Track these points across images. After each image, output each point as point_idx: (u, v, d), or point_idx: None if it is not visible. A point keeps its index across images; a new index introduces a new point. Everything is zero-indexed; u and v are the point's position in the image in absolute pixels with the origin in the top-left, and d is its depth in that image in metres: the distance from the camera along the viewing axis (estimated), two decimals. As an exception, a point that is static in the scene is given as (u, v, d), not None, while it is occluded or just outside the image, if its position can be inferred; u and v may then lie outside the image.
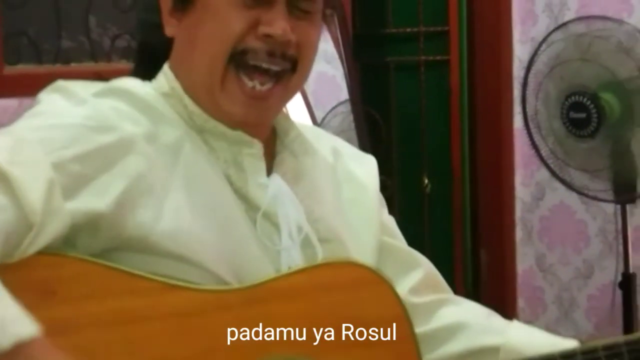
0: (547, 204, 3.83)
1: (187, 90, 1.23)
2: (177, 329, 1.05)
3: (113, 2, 2.75)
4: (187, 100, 1.22)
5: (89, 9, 2.70)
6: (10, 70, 2.51)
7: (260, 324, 1.09)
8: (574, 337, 1.43)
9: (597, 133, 2.90)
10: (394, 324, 1.15)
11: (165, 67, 1.27)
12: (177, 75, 1.24)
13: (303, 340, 1.10)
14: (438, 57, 3.80)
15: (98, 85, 1.18)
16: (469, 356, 1.40)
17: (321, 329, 1.11)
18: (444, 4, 3.74)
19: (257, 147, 1.26)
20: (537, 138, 3.14)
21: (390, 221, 1.48)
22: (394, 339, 1.15)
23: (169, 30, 1.24)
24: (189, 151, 1.19)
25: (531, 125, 3.15)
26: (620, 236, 3.08)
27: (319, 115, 3.51)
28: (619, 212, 3.09)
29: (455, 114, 3.84)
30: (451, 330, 1.41)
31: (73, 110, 1.13)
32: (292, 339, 1.09)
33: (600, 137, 2.91)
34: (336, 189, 1.39)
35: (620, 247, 3.08)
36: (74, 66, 2.70)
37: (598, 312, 3.67)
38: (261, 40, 1.18)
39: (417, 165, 3.94)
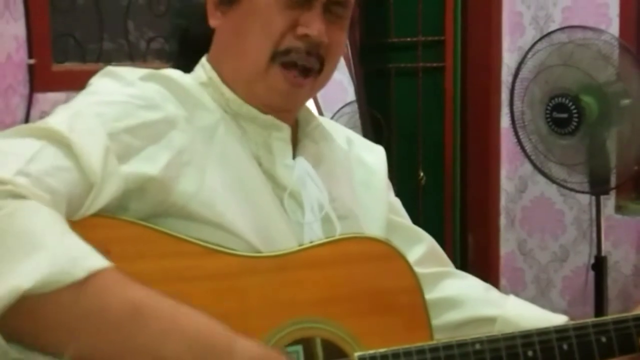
0: (529, 195, 3.85)
1: (225, 79, 1.20)
2: (217, 290, 1.03)
3: (149, 9, 2.76)
4: (224, 89, 1.20)
5: (128, 14, 2.72)
6: (58, 67, 2.50)
7: (288, 288, 1.08)
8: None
9: (576, 131, 2.89)
10: (408, 294, 1.14)
11: (203, 60, 1.25)
12: (216, 65, 1.22)
13: (325, 305, 1.08)
14: (434, 64, 3.79)
15: (143, 71, 1.15)
16: (467, 325, 1.38)
17: (341, 296, 1.09)
18: (441, 16, 3.72)
19: (286, 131, 1.24)
20: (522, 136, 3.14)
21: (397, 202, 1.47)
22: (407, 307, 1.13)
23: (213, 22, 1.22)
24: (223, 133, 1.16)
25: (517, 124, 3.14)
26: (594, 224, 3.07)
27: (327, 116, 3.51)
28: (593, 202, 3.08)
29: (449, 115, 3.84)
30: (452, 301, 1.39)
31: (123, 89, 1.10)
32: (316, 303, 1.08)
33: (580, 135, 2.91)
34: (350, 173, 1.38)
35: (594, 234, 3.07)
36: (113, 65, 2.68)
37: (572, 292, 3.68)
38: (300, 40, 1.16)
39: (414, 160, 3.95)
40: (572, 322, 1.19)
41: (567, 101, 2.87)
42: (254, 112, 1.21)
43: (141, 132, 1.07)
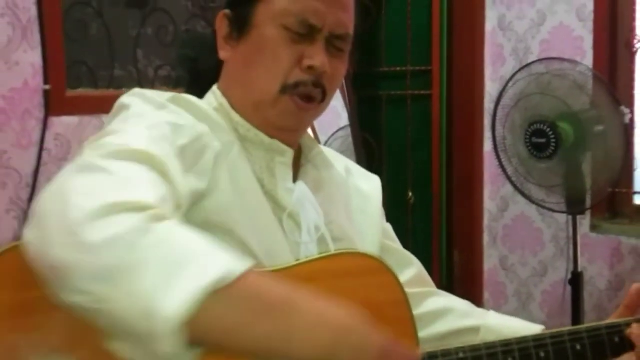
0: (510, 214, 3.84)
1: (234, 105, 1.22)
2: None
3: (157, 39, 2.76)
4: (234, 114, 1.21)
5: (137, 44, 2.72)
6: (71, 93, 2.50)
7: None
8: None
9: (554, 155, 2.89)
10: (395, 306, 1.13)
11: (214, 88, 1.26)
12: (226, 93, 1.24)
13: None
14: (422, 92, 3.78)
15: (167, 94, 1.16)
16: (453, 335, 1.38)
17: None
18: (428, 47, 3.72)
19: (289, 156, 1.25)
20: (503, 159, 3.14)
21: (389, 227, 1.48)
22: (395, 318, 1.12)
23: (222, 55, 1.24)
24: (236, 153, 1.17)
25: (499, 148, 3.14)
26: (571, 242, 3.06)
27: (322, 139, 3.51)
28: (570, 221, 3.07)
29: (436, 139, 3.83)
30: (438, 314, 1.40)
31: (157, 113, 1.09)
32: None
33: (557, 159, 2.90)
34: (347, 199, 1.38)
35: (571, 251, 3.05)
36: (124, 91, 2.67)
37: (550, 305, 3.67)
38: (306, 73, 1.18)
39: (404, 180, 3.93)
40: (549, 331, 1.19)
41: (545, 127, 2.86)
42: (261, 136, 1.22)
43: (189, 150, 1.07)
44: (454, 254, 3.95)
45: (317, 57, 1.17)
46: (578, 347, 1.15)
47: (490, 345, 1.12)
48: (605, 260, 3.46)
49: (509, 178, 3.14)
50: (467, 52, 3.77)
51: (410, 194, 3.94)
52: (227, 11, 1.24)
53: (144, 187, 0.90)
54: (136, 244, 0.80)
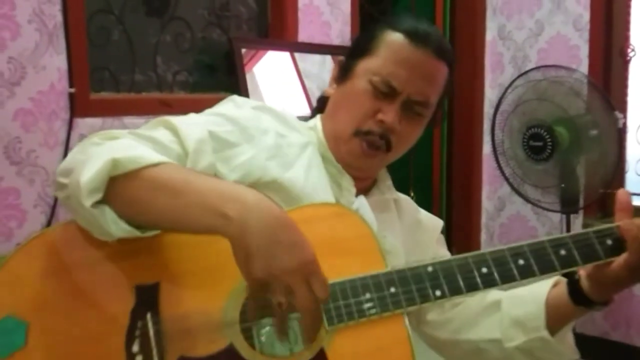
0: (507, 213, 3.83)
1: (324, 131, 1.31)
2: (198, 250, 1.04)
3: (175, 46, 2.74)
4: (321, 136, 1.31)
5: (156, 50, 2.70)
6: (95, 96, 2.47)
7: None
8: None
9: (550, 158, 2.88)
10: (363, 239, 1.09)
11: (320, 115, 1.36)
12: (323, 121, 1.33)
13: None
14: (425, 97, 3.74)
15: (255, 102, 1.28)
16: (480, 315, 1.32)
17: None
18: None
19: (348, 180, 1.30)
20: (501, 161, 3.13)
21: (444, 255, 1.41)
22: (363, 249, 1.09)
23: (328, 91, 1.34)
24: (311, 152, 1.26)
25: (497, 151, 3.13)
26: (565, 239, 3.01)
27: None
28: (564, 220, 3.06)
29: (437, 142, 3.84)
30: (454, 306, 1.35)
31: (233, 109, 1.23)
32: None
33: (553, 161, 2.90)
34: (406, 227, 1.39)
35: (564, 248, 3.00)
36: (144, 95, 2.67)
37: (544, 299, 3.62)
38: (377, 125, 1.24)
39: (406, 181, 3.93)
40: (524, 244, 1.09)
41: (542, 131, 2.86)
42: (331, 158, 1.30)
43: (235, 135, 1.18)
44: (453, 251, 3.92)
45: (390, 114, 1.23)
46: (562, 252, 1.06)
47: (460, 258, 1.06)
48: (597, 257, 3.43)
49: (506, 179, 3.13)
50: (468, 60, 3.75)
51: (412, 193, 3.93)
52: (342, 58, 1.34)
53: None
54: (87, 150, 1.02)
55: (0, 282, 1.00)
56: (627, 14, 3.31)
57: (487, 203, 3.91)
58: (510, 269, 1.05)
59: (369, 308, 1.02)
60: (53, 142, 2.35)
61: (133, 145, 1.02)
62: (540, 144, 2.87)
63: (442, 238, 1.46)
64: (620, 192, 1.12)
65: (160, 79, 2.73)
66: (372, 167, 1.32)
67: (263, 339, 1.04)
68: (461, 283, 1.04)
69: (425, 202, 3.94)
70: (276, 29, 3.06)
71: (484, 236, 3.93)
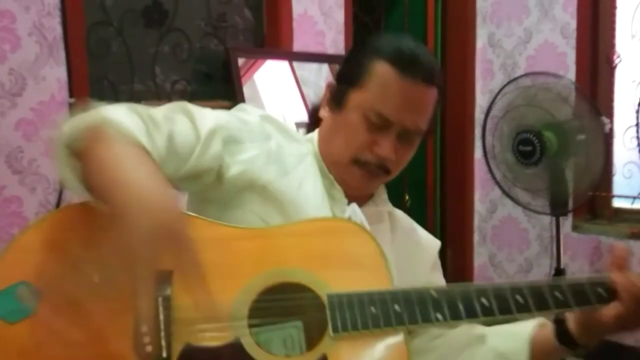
0: (498, 216, 3.82)
1: (320, 148, 1.31)
2: (216, 245, 1.07)
3: (173, 56, 2.73)
4: (317, 149, 1.31)
5: (155, 60, 2.68)
6: (95, 106, 2.45)
7: (274, 248, 1.10)
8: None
9: (539, 162, 2.87)
10: (371, 257, 1.10)
11: (318, 130, 1.35)
12: (318, 138, 1.32)
13: (302, 260, 1.08)
14: (418, 104, 3.73)
15: (261, 112, 1.29)
16: (465, 347, 1.31)
17: (315, 255, 1.09)
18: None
19: (339, 192, 1.29)
20: (492, 166, 3.11)
21: (439, 282, 1.41)
22: (371, 266, 1.10)
23: (322, 113, 1.32)
24: (309, 162, 1.27)
25: (488, 156, 3.11)
26: (554, 241, 3.02)
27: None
28: (553, 222, 3.04)
29: (430, 147, 3.83)
30: (439, 336, 1.34)
31: (240, 114, 1.25)
32: (294, 258, 1.09)
33: (542, 165, 2.88)
34: (399, 243, 1.36)
35: (554, 249, 3.01)
36: (143, 104, 2.64)
37: (535, 298, 3.61)
38: (374, 157, 1.23)
39: (401, 185, 3.89)
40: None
41: (531, 136, 2.84)
42: (326, 172, 1.29)
43: (242, 134, 1.20)
44: (447, 252, 3.93)
45: (385, 147, 1.21)
46: (557, 294, 1.08)
47: (463, 288, 1.08)
48: (586, 257, 3.43)
49: (497, 183, 3.11)
50: (459, 67, 3.73)
51: (407, 196, 3.92)
52: (332, 82, 1.32)
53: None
54: (76, 118, 1.02)
55: (17, 249, 1.02)
56: (612, 21, 3.30)
57: (479, 206, 3.89)
58: (507, 303, 1.07)
59: (373, 321, 1.04)
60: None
61: (127, 120, 1.03)
62: (529, 148, 2.85)
63: (438, 263, 1.43)
64: (617, 248, 1.13)
65: (159, 89, 2.71)
66: (372, 189, 1.33)
67: (262, 339, 1.04)
68: (462, 310, 1.06)
69: (419, 205, 3.93)
70: (272, 38, 3.04)
71: (476, 238, 3.92)
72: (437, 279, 1.39)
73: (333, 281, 1.01)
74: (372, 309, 1.04)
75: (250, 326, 1.02)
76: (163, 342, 0.98)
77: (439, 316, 1.05)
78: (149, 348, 0.97)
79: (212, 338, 1.00)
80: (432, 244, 1.43)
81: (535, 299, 1.07)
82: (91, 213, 1.01)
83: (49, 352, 0.97)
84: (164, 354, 0.98)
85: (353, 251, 1.10)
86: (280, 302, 1.03)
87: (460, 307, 1.06)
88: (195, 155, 1.12)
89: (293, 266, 1.07)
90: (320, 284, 1.06)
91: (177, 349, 0.99)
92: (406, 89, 1.19)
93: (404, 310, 1.05)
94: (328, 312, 1.03)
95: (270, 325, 1.04)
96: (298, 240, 1.11)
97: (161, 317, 0.99)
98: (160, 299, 1.00)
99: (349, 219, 1.23)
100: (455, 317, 1.06)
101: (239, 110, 1.27)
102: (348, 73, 1.28)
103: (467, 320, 1.06)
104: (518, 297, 1.07)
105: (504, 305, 1.07)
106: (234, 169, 1.16)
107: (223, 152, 1.16)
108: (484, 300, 1.07)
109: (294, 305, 1.02)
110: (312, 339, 1.05)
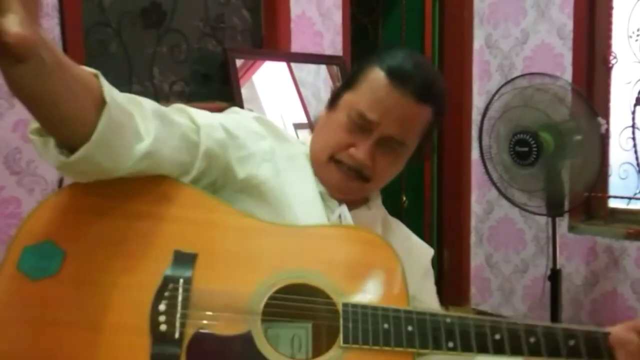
0: (495, 216, 3.82)
1: (311, 148, 1.32)
2: (240, 236, 1.08)
3: (171, 57, 2.72)
4: (309, 151, 1.31)
5: (153, 61, 2.67)
6: (92, 106, 2.45)
7: (297, 247, 1.11)
8: (511, 316, 1.30)
9: (536, 163, 2.86)
10: (391, 272, 1.10)
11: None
12: (311, 141, 1.34)
13: (323, 264, 1.09)
14: (415, 105, 3.73)
15: (254, 113, 1.30)
16: None
17: (337, 261, 1.10)
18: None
19: (325, 191, 1.29)
20: (489, 166, 3.10)
21: (431, 290, 1.40)
22: (390, 281, 1.10)
23: (320, 115, 1.34)
24: (301, 162, 1.28)
25: (485, 157, 3.11)
26: (550, 241, 3.02)
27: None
28: (550, 223, 3.03)
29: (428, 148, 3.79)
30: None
31: (235, 116, 1.25)
32: (316, 261, 1.09)
33: (538, 166, 2.87)
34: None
35: (550, 250, 3.01)
36: (141, 104, 2.64)
37: (531, 298, 3.64)
38: (349, 158, 1.23)
39: (398, 186, 3.91)
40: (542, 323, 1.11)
41: (528, 137, 2.84)
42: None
43: (240, 131, 1.20)
44: (444, 252, 3.94)
45: (361, 150, 1.22)
46: (571, 342, 1.07)
47: (478, 319, 1.07)
48: (582, 258, 3.43)
49: (494, 183, 3.11)
50: (456, 68, 3.74)
51: (404, 198, 3.92)
52: (336, 85, 1.36)
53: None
54: None
55: (46, 208, 1.01)
56: (609, 22, 3.30)
57: (476, 206, 3.89)
58: (519, 342, 1.07)
59: (384, 339, 1.04)
60: (52, 152, 2.34)
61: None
62: (526, 149, 2.84)
63: (430, 271, 1.41)
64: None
65: (157, 89, 2.70)
66: (350, 191, 1.29)
67: (271, 335, 1.04)
68: (474, 342, 1.06)
69: (416, 206, 3.93)
70: (270, 39, 3.03)
71: (473, 238, 3.92)
72: (428, 287, 1.38)
73: (351, 291, 1.03)
74: (385, 325, 1.04)
75: (263, 321, 1.02)
76: (177, 324, 0.98)
77: (450, 344, 1.05)
78: (163, 327, 0.98)
79: (224, 327, 1.00)
80: (425, 251, 1.42)
81: (548, 344, 1.07)
82: (127, 188, 1.02)
83: (64, 315, 0.96)
84: (177, 335, 0.98)
85: (376, 265, 1.10)
86: (296, 303, 1.04)
87: (473, 339, 1.06)
88: (202, 139, 1.12)
89: (314, 269, 1.07)
90: (338, 292, 1.06)
91: (189, 332, 0.99)
92: (394, 97, 1.19)
93: (416, 333, 1.05)
94: (341, 322, 1.03)
95: (281, 323, 1.04)
96: (323, 244, 1.12)
97: (179, 298, 1.00)
98: (181, 280, 1.00)
99: (374, 233, 1.20)
100: (467, 348, 1.05)
101: (232, 113, 1.28)
102: (349, 77, 1.29)
103: (477, 353, 1.06)
104: (531, 339, 1.07)
105: (515, 345, 1.07)
106: (234, 156, 1.17)
107: (228, 142, 1.16)
108: (497, 336, 1.06)
109: (309, 308, 1.03)
110: (320, 345, 1.05)
